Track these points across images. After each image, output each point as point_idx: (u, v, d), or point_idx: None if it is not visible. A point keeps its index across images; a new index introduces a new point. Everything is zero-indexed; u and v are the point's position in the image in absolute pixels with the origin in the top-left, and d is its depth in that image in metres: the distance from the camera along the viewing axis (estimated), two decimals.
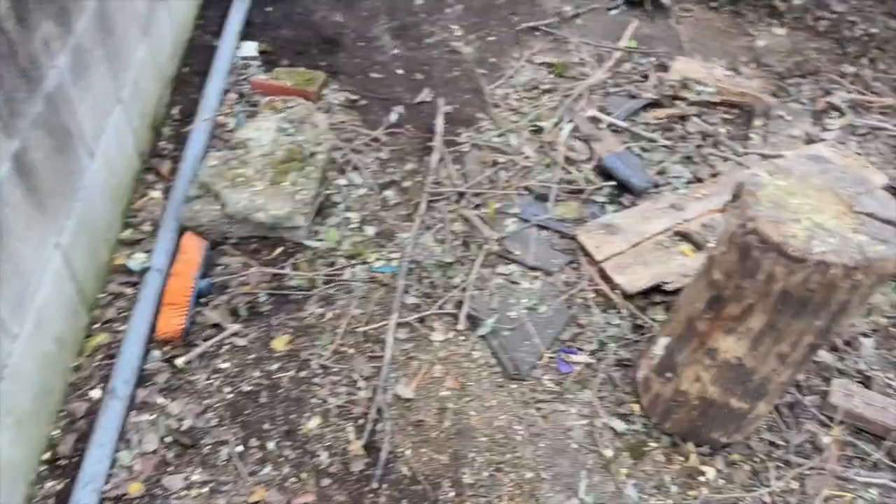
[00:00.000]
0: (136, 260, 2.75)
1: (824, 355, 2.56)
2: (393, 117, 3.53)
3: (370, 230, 2.97)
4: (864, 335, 2.66)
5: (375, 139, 3.40)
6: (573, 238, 2.96)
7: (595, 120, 3.53)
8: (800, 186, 1.87)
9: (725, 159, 3.30)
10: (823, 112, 3.64)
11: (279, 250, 2.84)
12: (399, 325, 2.62)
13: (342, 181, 3.15)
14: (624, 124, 3.49)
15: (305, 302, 2.69)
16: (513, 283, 2.81)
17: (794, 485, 2.27)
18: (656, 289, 2.74)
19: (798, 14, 4.40)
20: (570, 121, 3.51)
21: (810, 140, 3.43)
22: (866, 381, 2.51)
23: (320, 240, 2.87)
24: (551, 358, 2.60)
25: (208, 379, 2.44)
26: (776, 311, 1.83)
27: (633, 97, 3.69)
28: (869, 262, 1.68)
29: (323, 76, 3.60)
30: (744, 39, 4.25)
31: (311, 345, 2.56)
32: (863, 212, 1.80)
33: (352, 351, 2.55)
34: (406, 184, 3.21)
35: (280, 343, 2.56)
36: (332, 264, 2.80)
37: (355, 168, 3.22)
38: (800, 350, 1.92)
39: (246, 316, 2.62)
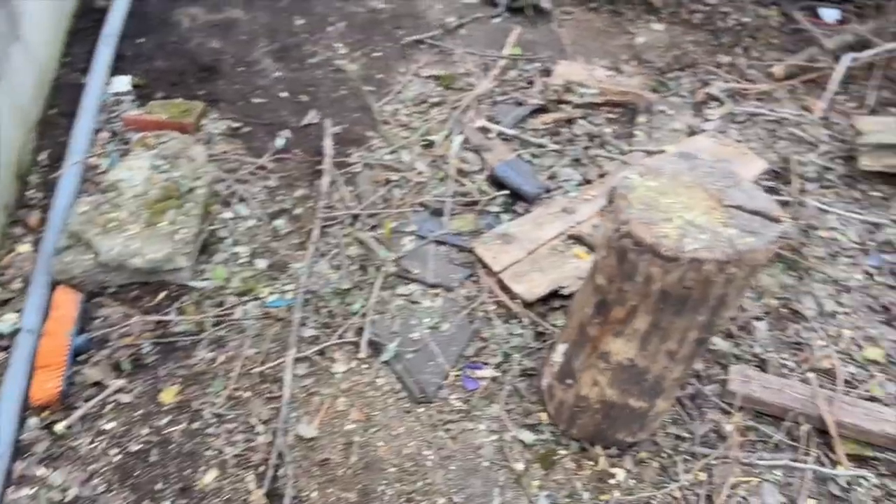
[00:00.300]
0: (6, 321, 2.55)
1: (720, 343, 2.62)
2: (279, 142, 3.42)
3: (261, 263, 2.85)
4: (758, 318, 2.73)
5: (262, 167, 3.28)
6: (471, 251, 2.93)
7: (484, 130, 3.52)
8: (670, 185, 1.88)
9: (612, 159, 3.35)
10: (703, 103, 3.75)
11: (162, 295, 2.69)
12: (297, 360, 2.52)
13: (228, 214, 3.01)
14: (513, 132, 3.49)
15: (194, 348, 2.55)
16: (414, 303, 2.75)
17: (702, 476, 2.29)
18: (555, 294, 2.74)
19: (674, 9, 4.54)
20: (460, 132, 3.49)
21: (692, 132, 3.53)
22: (762, 365, 2.57)
23: (207, 279, 2.74)
24: (457, 376, 2.55)
25: (92, 442, 2.27)
26: (658, 311, 1.84)
27: (520, 104, 3.70)
28: (740, 254, 1.70)
29: (201, 106, 3.45)
30: (624, 38, 4.35)
31: (203, 393, 2.43)
32: (731, 205, 1.83)
33: (248, 394, 2.43)
34: (297, 211, 3.10)
35: (169, 395, 2.42)
36: (221, 304, 2.67)
37: (241, 199, 3.09)
38: (687, 345, 1.94)
39: (130, 370, 2.46)
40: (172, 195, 2.79)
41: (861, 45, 3.95)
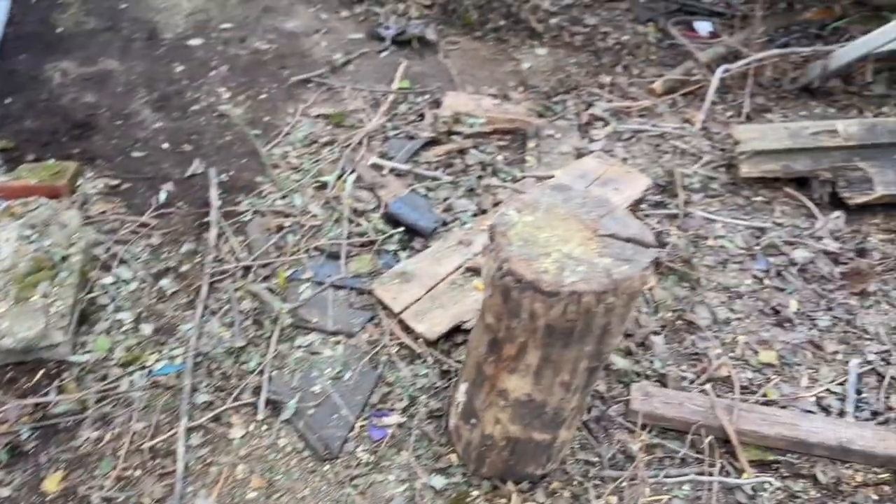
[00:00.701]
0: None
1: (620, 361, 2.64)
2: (162, 197, 3.27)
3: (147, 328, 2.70)
4: (655, 333, 2.78)
5: (144, 224, 3.13)
6: (370, 293, 2.87)
7: (377, 167, 3.48)
8: (546, 219, 1.88)
9: (505, 186, 3.37)
10: (588, 124, 3.84)
11: (40, 374, 2.50)
12: (190, 430, 2.38)
13: (108, 279, 2.85)
14: (406, 167, 3.47)
15: (78, 428, 2.37)
16: (314, 353, 2.66)
17: (613, 500, 2.29)
18: (458, 329, 2.71)
19: (555, 32, 4.65)
20: (353, 171, 3.44)
21: (580, 154, 3.59)
22: (663, 380, 2.61)
23: (88, 352, 2.57)
24: (362, 426, 2.47)
25: None
26: (547, 345, 1.83)
27: (412, 138, 3.69)
28: (616, 283, 1.71)
29: (74, 166, 3.27)
30: (510, 64, 4.42)
31: (90, 476, 2.26)
32: (606, 234, 1.84)
33: (138, 473, 2.28)
34: (184, 268, 2.97)
35: (52, 483, 2.24)
36: (104, 377, 2.51)
37: (123, 261, 2.93)
38: (580, 376, 1.93)
39: (6, 460, 2.27)
40: (44, 266, 2.61)
41: (733, 56, 4.15)
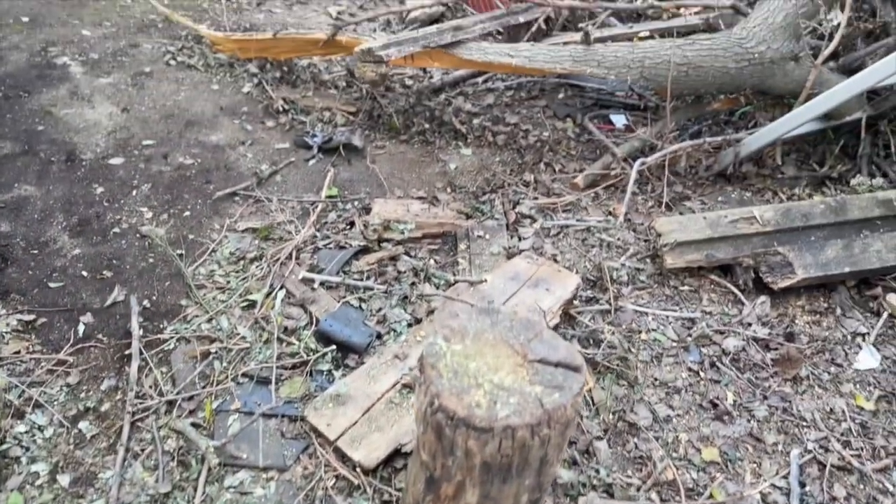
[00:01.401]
0: None
1: (566, 474, 2.58)
2: (80, 330, 3.12)
3: (64, 479, 2.51)
4: (598, 438, 2.74)
5: (61, 362, 2.96)
6: (303, 419, 2.75)
7: (308, 281, 3.42)
8: (476, 347, 1.85)
9: (438, 295, 3.35)
10: (516, 222, 3.89)
11: None
12: None
13: (21, 427, 2.65)
14: (337, 279, 3.42)
15: None
16: (244, 494, 2.51)
17: None
18: (398, 452, 2.61)
19: (479, 132, 4.77)
20: (282, 287, 3.37)
21: (510, 253, 3.62)
22: (609, 489, 2.55)
23: None
24: None
25: None
26: (485, 483, 1.76)
27: (343, 247, 3.66)
28: (549, 414, 1.67)
29: None
30: (437, 165, 4.49)
31: None
32: (535, 359, 1.81)
33: None
34: (104, 407, 2.80)
35: None
36: None
37: (38, 405, 2.74)
38: None
39: None
40: None
41: (648, 148, 4.32)
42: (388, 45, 3.87)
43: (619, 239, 3.82)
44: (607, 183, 4.22)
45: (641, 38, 4.50)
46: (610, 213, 4.01)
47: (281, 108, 4.89)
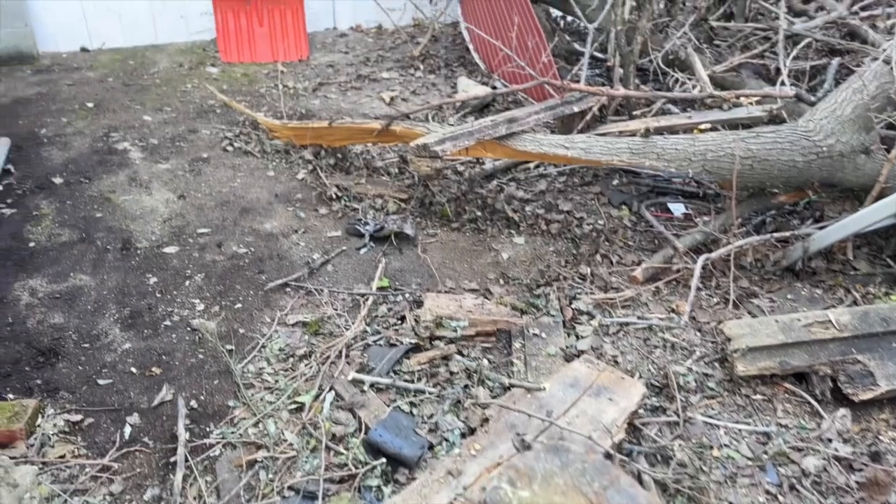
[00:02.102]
0: None
1: None
2: (126, 432, 3.05)
3: None
4: None
5: (105, 468, 2.88)
6: None
7: (357, 382, 3.30)
8: (545, 494, 1.69)
9: (494, 396, 3.19)
10: (573, 319, 3.74)
11: None
12: None
13: None
14: (388, 380, 3.30)
15: None
16: None
17: None
18: None
19: (532, 221, 4.67)
20: (331, 389, 3.26)
21: (567, 355, 3.46)
22: None
23: None
24: None
25: None
26: None
27: (394, 345, 3.55)
28: None
29: (33, 404, 3.06)
30: (489, 255, 4.39)
31: None
32: None
33: None
34: None
35: None
36: None
37: None
38: None
39: None
40: None
41: (711, 242, 4.15)
42: (442, 140, 3.85)
43: (683, 340, 3.63)
44: (668, 278, 4.04)
45: (702, 130, 4.40)
46: (673, 311, 3.83)
47: (334, 196, 4.90)
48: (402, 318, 3.76)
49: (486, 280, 4.15)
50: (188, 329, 3.70)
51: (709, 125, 4.41)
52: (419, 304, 3.84)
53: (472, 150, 4.26)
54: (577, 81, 5.12)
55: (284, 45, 7.24)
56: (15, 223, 4.49)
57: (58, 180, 4.98)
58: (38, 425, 3.04)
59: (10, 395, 3.20)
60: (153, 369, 3.42)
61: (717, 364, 3.48)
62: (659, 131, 4.18)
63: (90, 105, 6.11)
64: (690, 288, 3.83)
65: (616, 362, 3.48)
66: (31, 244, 4.31)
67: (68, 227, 4.50)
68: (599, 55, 6.48)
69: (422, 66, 7.19)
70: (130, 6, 7.14)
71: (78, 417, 3.12)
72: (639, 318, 3.78)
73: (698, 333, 3.69)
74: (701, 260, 3.87)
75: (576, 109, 4.61)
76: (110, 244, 4.35)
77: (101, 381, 3.34)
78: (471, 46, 7.23)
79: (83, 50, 7.18)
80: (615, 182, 5.08)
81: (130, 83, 6.56)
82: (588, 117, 4.72)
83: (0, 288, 3.91)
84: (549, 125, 5.08)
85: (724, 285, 4.00)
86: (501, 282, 4.14)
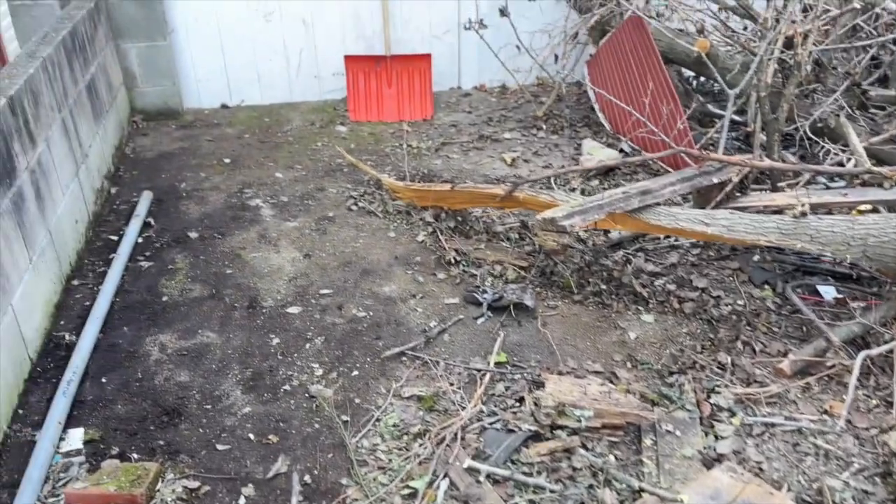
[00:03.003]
0: None
1: None
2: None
3: None
4: None
5: None
6: None
7: (473, 471, 3.13)
8: None
9: (622, 501, 2.92)
10: (712, 416, 3.41)
11: None
12: None
13: None
14: (505, 472, 3.11)
15: None
16: None
17: None
18: None
19: (662, 297, 4.38)
20: (445, 475, 3.11)
21: (706, 460, 3.14)
22: None
23: None
24: None
25: None
26: None
27: (511, 430, 3.36)
28: None
29: (155, 468, 3.10)
30: (615, 333, 4.14)
31: None
32: None
33: None
34: None
35: None
36: None
37: None
38: None
39: None
40: None
41: (870, 334, 3.72)
42: (571, 213, 3.69)
43: (839, 447, 3.22)
44: (821, 373, 3.64)
45: (861, 211, 4.00)
46: (826, 412, 3.42)
47: (453, 260, 4.82)
48: (521, 400, 3.58)
49: (612, 362, 3.90)
50: (306, 395, 3.68)
51: (868, 206, 4.00)
52: (539, 384, 3.64)
53: (601, 223, 4.06)
54: (714, 148, 4.83)
55: (410, 106, 7.36)
56: (151, 276, 4.70)
57: (193, 234, 5.20)
58: (158, 490, 3.07)
59: (135, 455, 3.27)
60: (270, 437, 3.41)
61: (878, 480, 3.05)
62: (811, 208, 3.82)
63: (227, 161, 6.42)
64: (847, 387, 3.42)
65: (761, 469, 3.12)
66: (165, 298, 4.48)
67: (200, 282, 4.66)
68: (735, 117, 6.13)
69: (545, 127, 7.08)
70: (269, 67, 7.51)
71: (196, 484, 3.12)
72: (787, 418, 3.40)
73: (856, 441, 3.27)
74: (861, 357, 3.45)
75: (715, 180, 4.32)
76: (238, 302, 4.45)
77: (219, 447, 3.35)
78: (596, 106, 7.07)
79: (223, 106, 7.60)
80: (756, 258, 4.70)
81: (265, 140, 6.86)
82: (728, 189, 4.41)
83: (133, 342, 4.07)
84: (684, 195, 4.80)
85: (885, 386, 3.55)
86: (629, 365, 3.87)
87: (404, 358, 3.97)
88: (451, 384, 3.74)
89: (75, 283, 4.61)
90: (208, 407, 3.60)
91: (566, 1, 7.46)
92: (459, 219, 5.28)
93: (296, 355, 3.99)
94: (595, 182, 5.87)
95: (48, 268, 4.23)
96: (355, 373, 3.85)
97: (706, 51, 5.58)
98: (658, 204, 4.00)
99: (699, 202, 4.60)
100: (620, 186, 4.03)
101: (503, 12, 7.15)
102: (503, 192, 4.66)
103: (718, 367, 3.78)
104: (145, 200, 5.53)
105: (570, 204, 3.82)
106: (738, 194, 4.59)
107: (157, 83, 7.10)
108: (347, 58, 7.36)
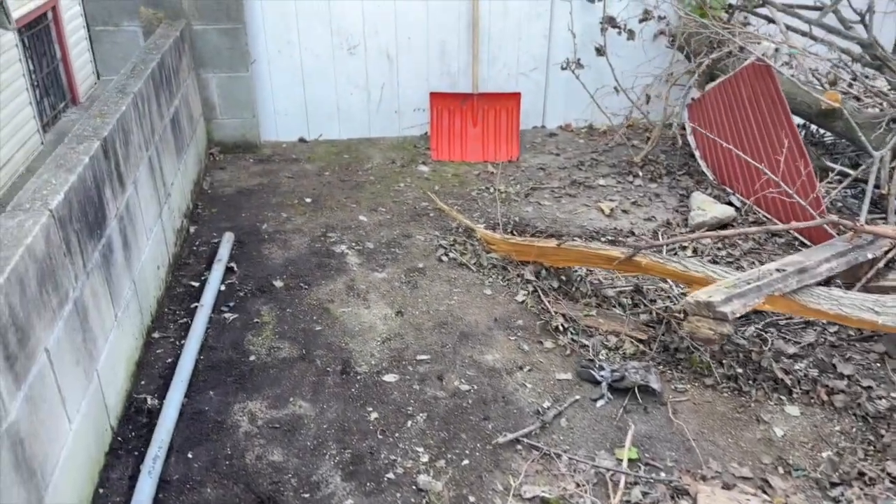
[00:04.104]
0: None
1: None
2: None
3: None
4: None
5: None
6: None
7: None
8: None
9: None
10: None
11: None
12: None
13: None
14: None
15: None
16: None
17: None
18: None
19: (807, 386, 3.87)
20: None
21: None
22: None
23: None
24: None
25: None
26: None
27: None
28: None
29: None
30: (757, 428, 3.64)
31: None
32: None
33: None
34: None
35: None
36: None
37: None
38: None
39: None
40: None
41: None
42: (729, 297, 3.23)
43: None
44: None
45: None
46: None
47: (560, 327, 4.38)
48: None
49: (761, 465, 3.40)
50: (413, 487, 3.27)
51: None
52: (681, 491, 3.17)
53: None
54: (851, 214, 4.33)
55: (496, 146, 6.99)
56: (236, 331, 4.36)
57: (278, 283, 4.87)
58: None
59: None
60: None
61: None
62: None
63: (308, 200, 6.11)
64: None
65: None
66: (252, 357, 4.14)
67: (288, 339, 4.30)
68: (847, 170, 5.61)
69: (641, 173, 6.63)
70: (349, 101, 7.24)
71: None
72: None
73: None
74: None
75: (869, 256, 3.83)
76: (330, 365, 4.08)
77: None
78: (697, 153, 6.61)
79: (301, 140, 7.33)
80: None
81: (346, 179, 6.54)
82: (880, 265, 3.90)
83: (220, 409, 3.72)
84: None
85: None
86: (781, 470, 3.37)
87: (519, 446, 3.53)
88: (578, 484, 3.28)
89: (156, 335, 4.30)
90: (306, 496, 3.21)
91: (668, 41, 7.04)
92: (563, 278, 4.85)
93: (397, 435, 3.59)
94: (707, 240, 5.38)
95: (131, 322, 3.93)
96: (465, 461, 3.43)
97: (837, 104, 5.10)
98: (815, 284, 3.52)
99: (845, 278, 4.09)
100: (772, 262, 3.57)
101: (600, 51, 6.77)
102: (622, 255, 4.23)
103: (889, 479, 3.26)
104: (227, 243, 5.23)
105: (722, 285, 3.36)
106: (888, 271, 4.08)
107: (236, 115, 6.87)
108: (433, 95, 7.03)
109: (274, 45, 6.87)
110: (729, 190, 6.06)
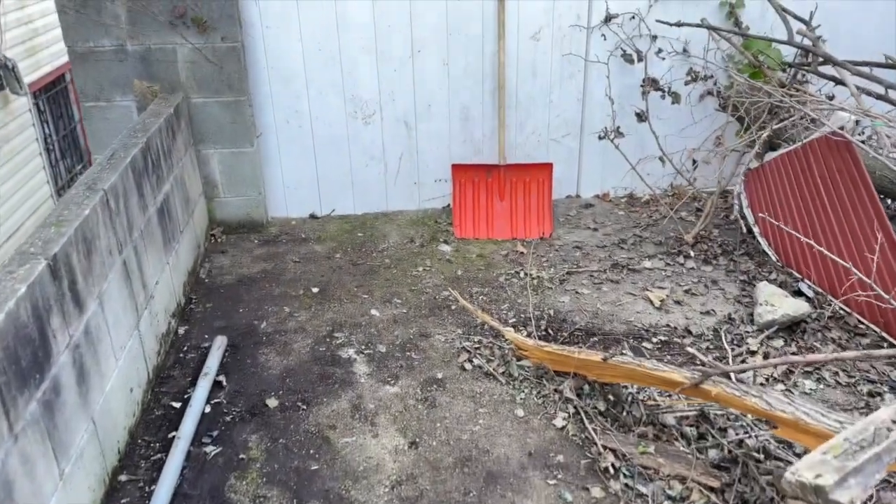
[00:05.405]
0: None
1: None
2: None
3: None
4: None
5: None
6: None
7: None
8: None
9: None
10: None
11: None
12: None
13: None
14: None
15: None
16: None
17: None
18: None
19: None
20: None
21: None
22: None
23: None
24: None
25: None
26: None
27: None
28: None
29: None
30: None
31: None
32: None
33: None
34: None
35: None
36: None
37: None
38: None
39: None
40: None
41: None
42: (844, 478, 2.41)
43: None
44: None
45: None
46: None
47: (610, 468, 3.58)
48: None
49: None
50: None
51: None
52: None
53: None
54: None
55: (526, 222, 6.26)
56: (217, 472, 3.64)
57: (272, 402, 4.16)
58: None
59: None
60: None
61: None
62: None
63: (315, 290, 5.43)
64: None
65: None
66: None
67: (277, 484, 3.56)
68: None
69: (692, 253, 5.84)
70: (364, 173, 6.61)
71: None
72: None
73: None
74: None
75: None
76: None
77: None
78: (756, 230, 5.81)
79: (312, 216, 6.70)
80: None
81: (358, 262, 5.86)
82: None
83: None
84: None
85: None
86: None
87: None
88: None
89: (123, 478, 3.59)
90: None
91: (718, 104, 6.31)
92: (611, 398, 4.05)
93: None
94: (780, 342, 4.56)
95: (87, 472, 3.23)
96: None
97: None
98: None
99: None
100: (886, 408, 2.75)
101: (641, 117, 6.06)
102: (686, 380, 3.44)
103: None
104: (218, 350, 4.54)
105: (829, 452, 2.54)
106: None
107: (240, 192, 6.26)
108: (455, 167, 6.37)
109: (282, 115, 6.29)
110: (797, 275, 5.24)
